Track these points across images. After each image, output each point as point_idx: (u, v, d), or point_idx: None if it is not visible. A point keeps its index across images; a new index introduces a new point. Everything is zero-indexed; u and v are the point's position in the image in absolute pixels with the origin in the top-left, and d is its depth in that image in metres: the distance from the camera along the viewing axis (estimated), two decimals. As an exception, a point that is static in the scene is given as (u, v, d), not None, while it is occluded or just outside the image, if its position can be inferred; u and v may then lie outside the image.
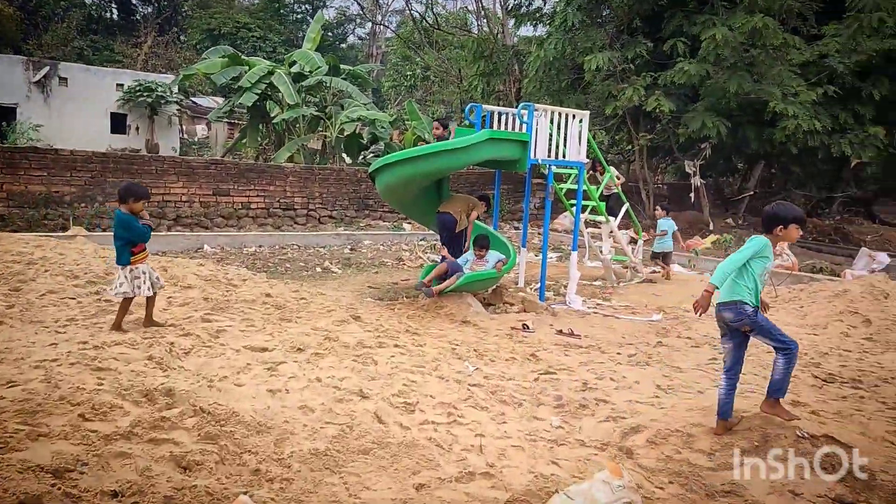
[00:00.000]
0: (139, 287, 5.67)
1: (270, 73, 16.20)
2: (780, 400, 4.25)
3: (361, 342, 6.03)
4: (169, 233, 13.03)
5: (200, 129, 31.57)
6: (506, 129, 9.25)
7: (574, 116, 9.41)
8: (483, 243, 8.82)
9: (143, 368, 4.66)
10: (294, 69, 17.04)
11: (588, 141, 9.64)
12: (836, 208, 22.83)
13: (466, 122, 10.35)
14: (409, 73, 34.22)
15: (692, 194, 17.58)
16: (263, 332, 6.00)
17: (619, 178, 12.83)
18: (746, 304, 4.17)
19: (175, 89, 23.90)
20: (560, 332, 7.75)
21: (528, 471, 3.86)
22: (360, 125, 17.18)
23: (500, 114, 9.80)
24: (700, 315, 4.27)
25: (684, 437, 4.33)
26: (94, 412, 3.68)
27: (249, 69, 16.36)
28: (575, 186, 10.68)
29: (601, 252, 11.22)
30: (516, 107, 9.37)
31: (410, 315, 7.94)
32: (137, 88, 24.51)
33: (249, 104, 16.30)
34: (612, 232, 10.97)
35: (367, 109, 16.58)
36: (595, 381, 5.70)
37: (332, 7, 47.48)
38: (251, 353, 5.32)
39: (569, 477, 3.78)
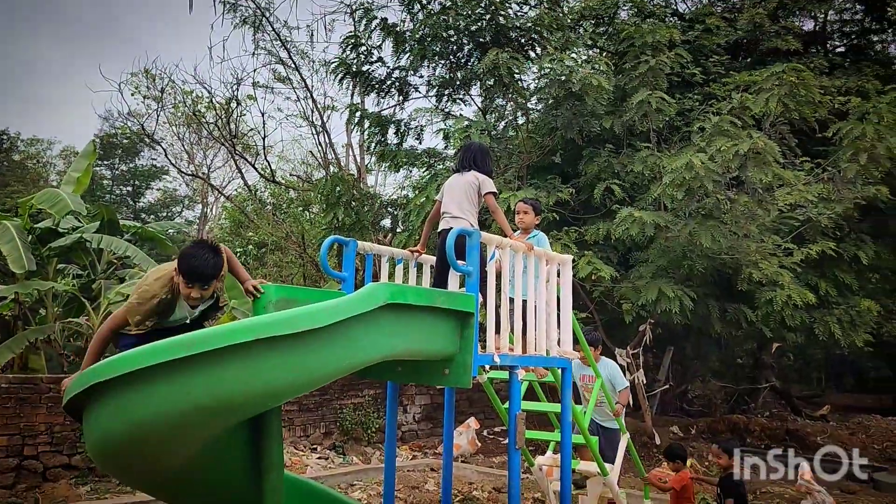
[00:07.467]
0: None
1: (-11, 225, 10.39)
2: None
3: None
4: None
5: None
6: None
7: (547, 264, 4.71)
8: None
9: None
10: (43, 225, 11.31)
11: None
12: (760, 402, 19.73)
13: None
14: (239, 249, 29.08)
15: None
16: None
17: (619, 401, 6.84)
18: None
19: None
20: None
21: None
22: (138, 305, 11.45)
23: (393, 261, 4.92)
24: None
25: None
26: None
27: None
28: (543, 407, 5.80)
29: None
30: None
31: None
32: None
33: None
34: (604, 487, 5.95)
35: (156, 281, 10.91)
36: None
37: (156, 189, 42.29)
38: None
39: None
